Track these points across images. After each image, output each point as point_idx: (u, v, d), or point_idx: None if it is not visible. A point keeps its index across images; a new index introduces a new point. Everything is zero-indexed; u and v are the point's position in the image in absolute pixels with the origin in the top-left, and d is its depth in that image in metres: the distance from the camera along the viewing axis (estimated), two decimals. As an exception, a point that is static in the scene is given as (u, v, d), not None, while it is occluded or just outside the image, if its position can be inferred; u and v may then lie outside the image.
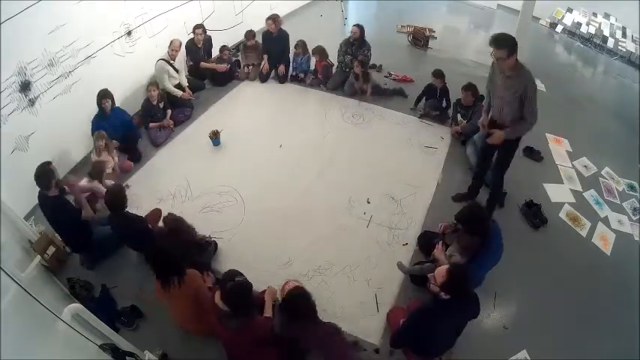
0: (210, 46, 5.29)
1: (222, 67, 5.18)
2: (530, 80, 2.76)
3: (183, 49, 4.76)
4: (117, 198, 2.89)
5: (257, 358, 2.34)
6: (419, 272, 2.93)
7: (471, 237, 2.68)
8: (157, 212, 3.33)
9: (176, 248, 2.70)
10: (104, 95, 3.83)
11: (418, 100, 4.93)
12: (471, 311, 2.33)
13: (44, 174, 2.82)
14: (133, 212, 3.09)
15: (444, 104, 4.81)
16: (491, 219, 2.83)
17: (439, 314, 2.24)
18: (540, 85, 5.68)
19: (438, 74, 4.65)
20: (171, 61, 4.61)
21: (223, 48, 5.26)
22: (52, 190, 2.85)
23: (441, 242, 2.86)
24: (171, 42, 4.55)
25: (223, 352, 2.52)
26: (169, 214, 3.04)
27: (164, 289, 2.43)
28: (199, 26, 4.86)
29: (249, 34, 5.32)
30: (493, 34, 2.73)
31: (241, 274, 2.34)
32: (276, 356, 2.36)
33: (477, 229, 2.64)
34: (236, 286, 2.20)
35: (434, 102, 4.82)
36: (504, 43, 2.66)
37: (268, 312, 2.48)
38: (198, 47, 4.98)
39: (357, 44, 5.09)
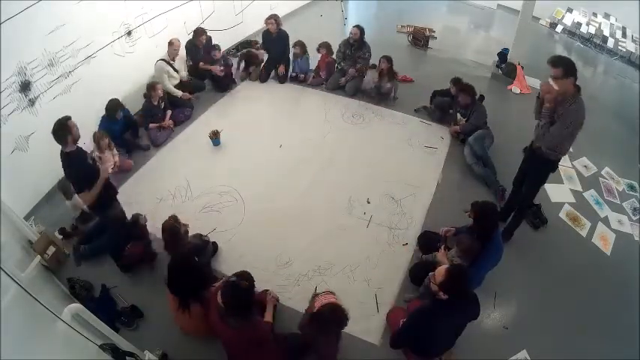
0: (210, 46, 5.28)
1: (218, 68, 5.14)
2: (576, 112, 2.68)
3: (183, 48, 4.76)
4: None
5: (256, 358, 2.34)
6: (423, 292, 2.93)
7: (472, 237, 2.70)
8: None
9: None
10: (117, 107, 3.93)
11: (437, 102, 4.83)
12: (471, 312, 2.33)
13: (60, 129, 2.71)
14: (132, 212, 3.11)
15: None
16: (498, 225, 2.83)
17: (438, 314, 2.24)
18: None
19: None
20: (171, 62, 4.61)
21: (212, 48, 5.12)
22: (68, 145, 2.72)
23: (443, 246, 2.86)
24: (171, 42, 4.56)
25: (223, 353, 2.52)
26: (169, 218, 2.94)
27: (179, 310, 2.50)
28: (203, 32, 4.90)
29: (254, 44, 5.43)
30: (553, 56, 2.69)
31: (249, 279, 2.34)
32: (276, 357, 2.36)
33: (485, 223, 2.68)
34: (231, 286, 2.20)
35: (443, 102, 4.75)
36: (560, 62, 2.61)
37: (269, 317, 2.48)
38: (198, 48, 4.98)
39: (356, 45, 5.09)
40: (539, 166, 3.04)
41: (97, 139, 3.70)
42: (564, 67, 2.60)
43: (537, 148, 2.97)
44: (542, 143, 2.88)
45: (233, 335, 2.27)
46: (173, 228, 2.83)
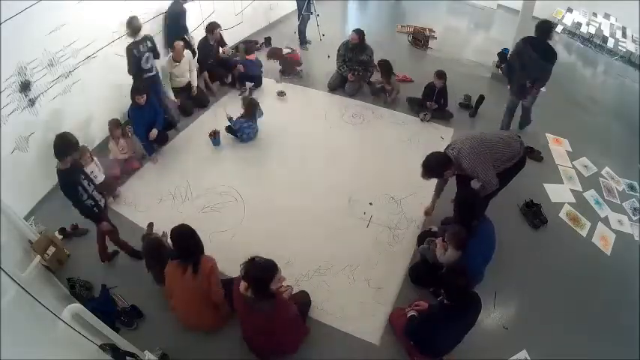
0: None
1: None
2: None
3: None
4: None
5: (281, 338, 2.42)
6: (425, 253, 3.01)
7: (459, 226, 2.70)
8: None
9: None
10: (137, 91, 3.77)
11: (421, 102, 4.89)
12: (475, 310, 2.36)
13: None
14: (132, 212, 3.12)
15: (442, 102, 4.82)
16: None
17: (446, 320, 2.29)
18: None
19: (441, 75, 4.65)
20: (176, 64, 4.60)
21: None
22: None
23: (440, 238, 2.84)
24: (174, 45, 4.50)
25: (223, 353, 2.52)
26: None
27: (179, 271, 2.48)
28: (217, 26, 4.91)
29: None
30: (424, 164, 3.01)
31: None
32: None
33: (464, 213, 2.72)
34: (251, 263, 2.25)
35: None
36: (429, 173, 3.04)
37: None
38: (211, 45, 5.00)
39: (358, 49, 5.03)
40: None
41: (110, 128, 3.79)
42: (436, 174, 3.10)
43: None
44: None
45: (262, 323, 2.31)
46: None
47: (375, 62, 5.08)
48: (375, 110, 4.98)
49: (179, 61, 4.58)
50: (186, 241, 2.52)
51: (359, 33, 4.96)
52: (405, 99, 5.01)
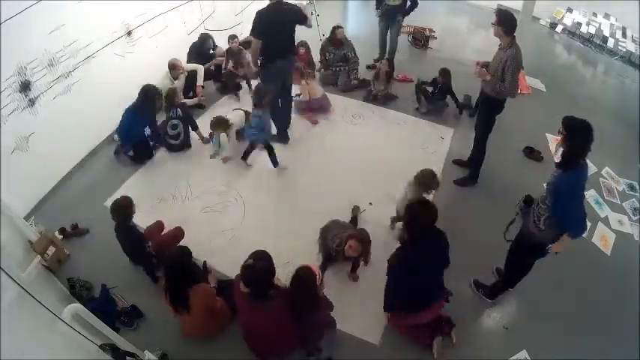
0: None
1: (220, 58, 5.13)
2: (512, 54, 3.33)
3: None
4: (122, 209, 2.88)
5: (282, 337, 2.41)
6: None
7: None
8: (158, 225, 3.25)
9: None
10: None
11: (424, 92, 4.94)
12: (440, 247, 2.37)
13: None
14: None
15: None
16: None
17: (409, 256, 2.31)
18: (540, 85, 5.69)
19: (442, 73, 4.72)
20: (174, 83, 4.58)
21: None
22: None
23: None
24: (174, 65, 4.49)
25: (223, 353, 2.52)
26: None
27: (176, 311, 2.49)
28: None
29: None
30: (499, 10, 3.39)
31: (265, 257, 2.34)
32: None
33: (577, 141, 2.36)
34: (249, 269, 2.24)
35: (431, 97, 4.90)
36: (502, 20, 3.34)
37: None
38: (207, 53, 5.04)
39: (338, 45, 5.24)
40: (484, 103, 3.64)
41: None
42: (503, 25, 3.34)
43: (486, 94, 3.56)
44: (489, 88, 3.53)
45: (262, 317, 2.30)
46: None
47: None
48: (375, 110, 4.98)
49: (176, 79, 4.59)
50: (178, 276, 2.47)
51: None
52: (415, 85, 5.02)
